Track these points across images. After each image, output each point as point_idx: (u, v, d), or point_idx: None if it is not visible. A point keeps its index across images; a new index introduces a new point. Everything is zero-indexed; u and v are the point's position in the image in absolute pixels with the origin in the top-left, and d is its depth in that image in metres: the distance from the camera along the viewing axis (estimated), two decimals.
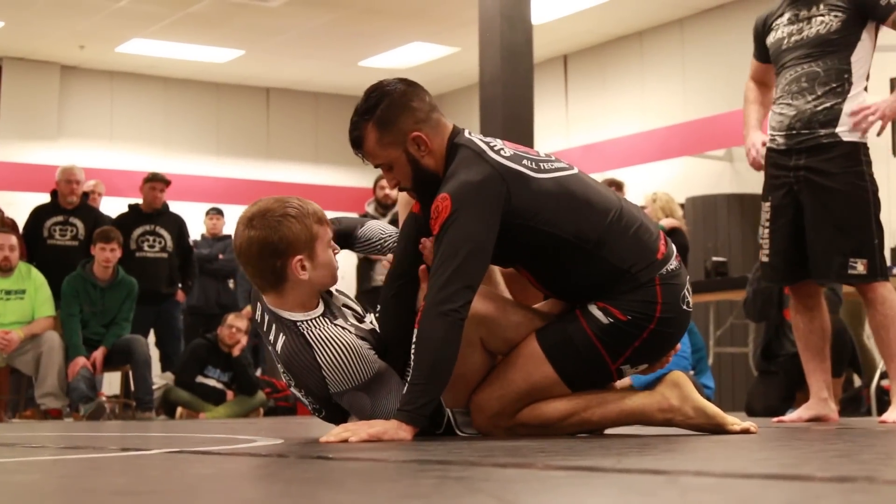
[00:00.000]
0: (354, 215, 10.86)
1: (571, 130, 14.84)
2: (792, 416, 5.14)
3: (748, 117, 5.28)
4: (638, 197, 10.83)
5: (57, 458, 2.88)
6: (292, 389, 3.73)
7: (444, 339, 3.35)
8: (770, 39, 5.10)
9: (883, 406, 7.52)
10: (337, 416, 3.72)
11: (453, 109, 16.02)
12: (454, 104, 15.95)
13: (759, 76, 5.34)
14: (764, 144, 5.10)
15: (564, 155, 14.47)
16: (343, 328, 3.60)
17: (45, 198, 9.96)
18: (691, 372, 7.90)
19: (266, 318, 3.69)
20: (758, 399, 7.39)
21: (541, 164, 3.57)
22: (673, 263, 3.60)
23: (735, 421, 3.61)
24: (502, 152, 3.53)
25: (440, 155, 3.59)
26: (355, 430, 3.32)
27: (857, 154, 4.90)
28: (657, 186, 10.36)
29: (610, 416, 3.61)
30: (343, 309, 3.77)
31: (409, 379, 3.41)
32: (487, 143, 3.56)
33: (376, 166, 3.70)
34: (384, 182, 9.83)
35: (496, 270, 3.82)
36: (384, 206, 9.77)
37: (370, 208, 9.78)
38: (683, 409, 3.57)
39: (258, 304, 3.73)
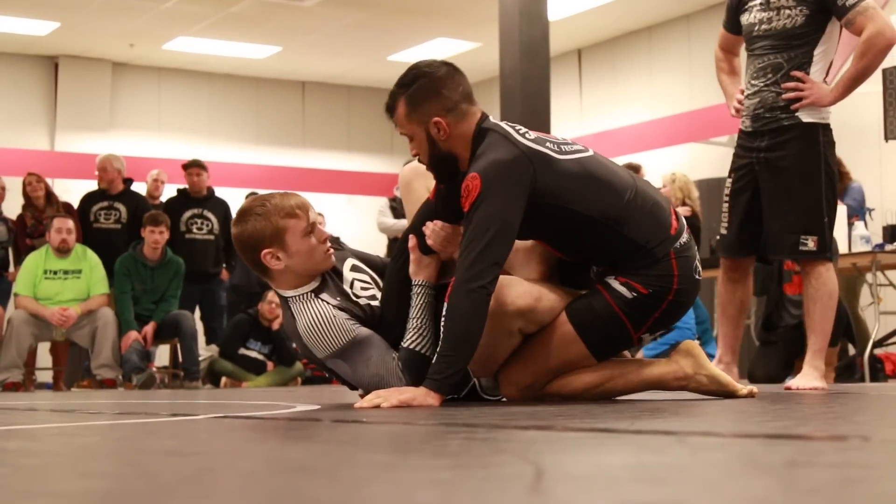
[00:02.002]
0: (384, 200, 10.91)
1: (585, 119, 14.80)
2: None
3: (726, 87, 5.24)
4: (651, 180, 10.79)
5: (112, 423, 2.90)
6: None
7: (472, 314, 3.36)
8: (745, 19, 5.06)
9: (875, 373, 7.50)
10: (339, 378, 3.78)
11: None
12: (476, 96, 15.88)
13: (727, 45, 5.32)
14: (739, 101, 5.06)
15: (578, 141, 14.43)
16: (324, 301, 3.65)
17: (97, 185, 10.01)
18: (696, 341, 7.89)
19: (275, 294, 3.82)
20: (759, 367, 7.37)
21: (562, 147, 3.57)
22: (684, 237, 3.61)
23: (741, 387, 3.65)
24: (527, 136, 3.53)
25: (463, 140, 3.59)
26: (387, 396, 3.33)
27: (816, 135, 4.87)
28: (666, 171, 10.31)
29: (631, 386, 3.68)
30: (343, 285, 3.77)
31: (438, 350, 3.41)
32: (514, 128, 3.56)
33: (402, 134, 3.73)
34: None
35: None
36: None
37: (399, 193, 9.76)
38: (697, 377, 3.62)
39: None
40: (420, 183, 3.92)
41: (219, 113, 15.83)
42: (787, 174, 4.85)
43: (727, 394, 3.61)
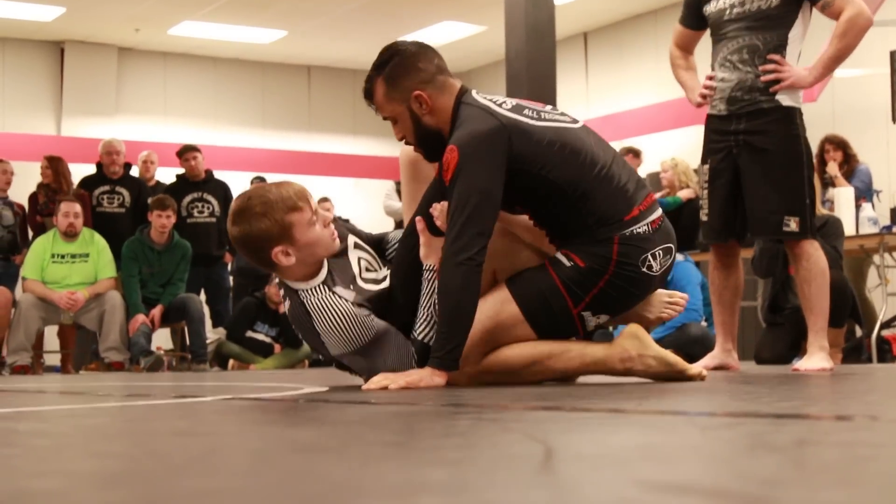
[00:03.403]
0: (390, 183, 10.90)
1: (591, 102, 14.77)
2: (697, 364, 5.05)
3: (686, 81, 5.22)
4: (654, 163, 10.80)
5: (121, 405, 2.90)
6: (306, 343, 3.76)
7: (463, 286, 3.37)
8: (710, 8, 5.05)
9: (883, 354, 7.50)
10: (347, 367, 3.78)
11: (481, 84, 15.94)
12: (482, 79, 15.89)
13: (684, 42, 5.31)
14: (707, 86, 5.02)
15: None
16: (340, 297, 3.59)
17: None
18: (703, 323, 7.89)
19: (277, 281, 3.77)
20: (766, 349, 7.37)
21: (541, 114, 3.58)
22: (643, 227, 3.54)
23: (691, 366, 3.58)
24: (504, 105, 3.55)
25: (444, 114, 3.61)
26: (394, 378, 3.33)
27: (794, 118, 4.88)
28: (672, 153, 10.31)
29: (572, 366, 3.59)
30: (351, 270, 3.73)
31: (437, 328, 3.42)
32: (491, 100, 3.58)
33: (384, 118, 3.73)
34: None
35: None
36: None
37: None
38: (643, 358, 3.53)
39: None
40: (419, 166, 3.91)
41: (224, 97, 15.82)
42: (769, 156, 4.85)
43: (677, 374, 3.52)
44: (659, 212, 3.65)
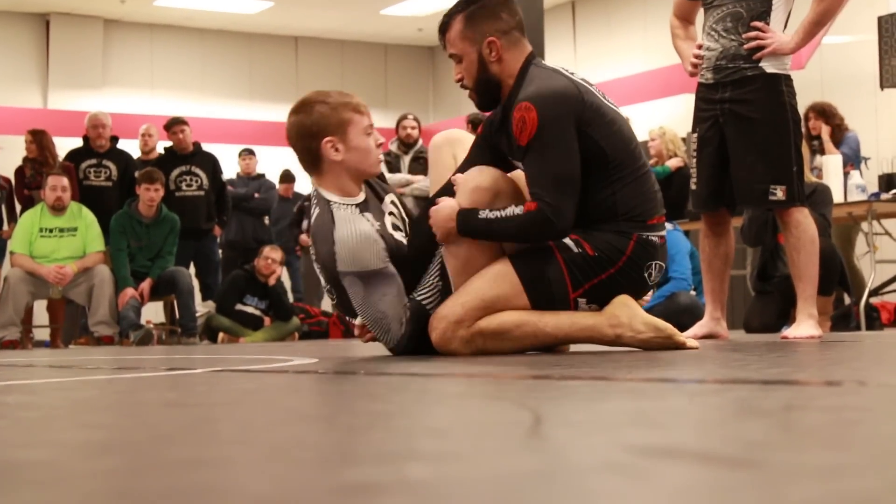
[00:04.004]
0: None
1: (579, 70, 14.58)
2: (687, 333, 5.07)
3: (683, 51, 5.21)
4: (643, 132, 10.79)
5: (111, 378, 2.90)
6: (315, 264, 3.76)
7: (525, 227, 3.48)
8: None
9: (871, 322, 7.52)
10: (343, 301, 3.72)
11: None
12: None
13: (682, 12, 5.30)
14: (695, 56, 5.03)
15: None
16: (368, 221, 3.65)
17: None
18: (693, 292, 7.90)
19: (313, 193, 3.80)
20: (755, 317, 7.39)
21: (605, 96, 3.71)
22: (655, 237, 3.63)
23: (680, 334, 3.62)
24: (575, 76, 3.67)
25: (510, 67, 3.70)
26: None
27: (779, 85, 4.86)
28: (660, 122, 10.30)
29: (563, 328, 3.60)
30: (384, 212, 3.81)
31: (495, 216, 3.50)
32: (565, 68, 3.71)
33: (450, 56, 3.83)
34: (406, 122, 9.79)
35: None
36: (406, 145, 9.73)
37: (393, 146, 9.73)
38: (633, 324, 3.56)
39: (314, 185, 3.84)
40: (447, 151, 3.96)
41: (211, 69, 15.76)
42: (753, 124, 4.84)
43: (665, 339, 3.55)
44: (665, 229, 3.72)
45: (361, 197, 3.75)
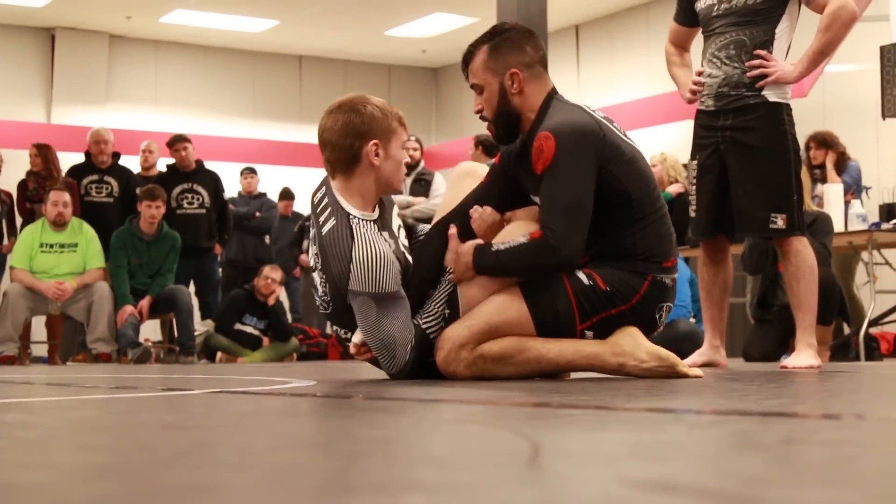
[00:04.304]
0: None
1: (582, 95, 14.77)
2: (686, 361, 5.05)
3: (679, 78, 5.23)
4: (645, 157, 10.79)
5: (109, 397, 2.90)
6: (314, 274, 3.70)
7: (536, 266, 3.53)
8: (700, 4, 5.06)
9: (871, 352, 7.51)
10: (340, 314, 3.66)
11: None
12: None
13: (679, 40, 5.32)
14: (695, 83, 5.04)
15: None
16: (386, 241, 3.61)
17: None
18: (692, 319, 7.90)
19: (325, 200, 3.69)
20: (755, 345, 7.38)
21: (626, 134, 3.72)
22: (669, 280, 3.65)
23: (683, 363, 3.62)
24: (597, 113, 3.69)
25: (532, 101, 3.73)
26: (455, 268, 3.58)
27: (780, 114, 4.88)
28: (662, 148, 10.32)
29: (565, 355, 3.60)
30: (395, 232, 3.81)
31: (504, 250, 3.54)
32: (587, 105, 3.73)
33: (472, 86, 3.82)
34: (408, 144, 9.80)
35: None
36: (408, 167, 9.73)
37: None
38: (636, 353, 3.57)
39: (323, 187, 3.76)
40: (469, 182, 3.95)
41: (215, 86, 15.79)
42: (755, 152, 4.85)
43: (668, 369, 3.55)
44: (677, 272, 3.74)
45: (377, 213, 3.70)
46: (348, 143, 3.63)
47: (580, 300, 3.55)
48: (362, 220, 3.60)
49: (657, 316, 3.65)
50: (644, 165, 3.69)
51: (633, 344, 3.58)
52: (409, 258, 3.78)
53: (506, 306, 3.60)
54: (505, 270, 3.59)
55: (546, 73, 3.80)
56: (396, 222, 3.87)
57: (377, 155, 3.64)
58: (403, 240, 3.85)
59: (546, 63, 3.82)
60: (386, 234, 3.66)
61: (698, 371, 3.69)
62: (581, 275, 3.57)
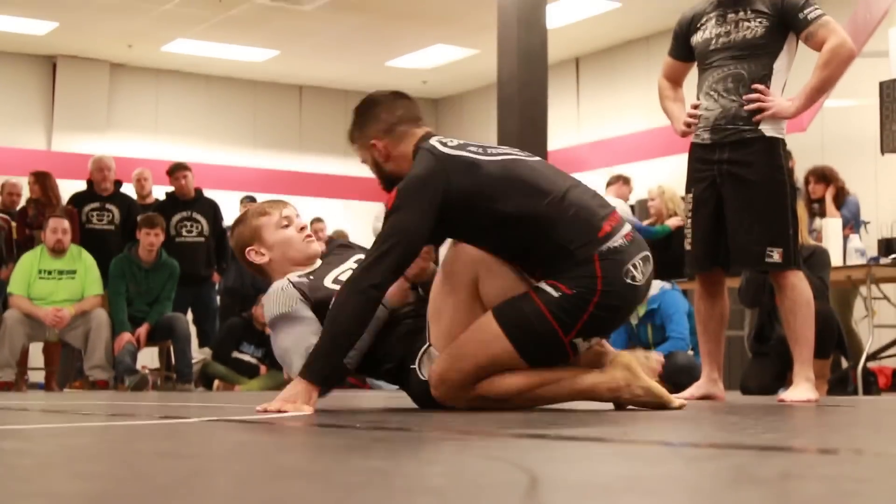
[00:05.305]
0: (380, 205, 10.89)
1: (582, 127, 14.81)
2: (683, 394, 5.05)
3: (672, 112, 5.25)
4: (644, 190, 10.83)
5: (106, 425, 2.90)
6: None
7: (358, 315, 3.50)
8: (697, 38, 5.08)
9: (868, 387, 7.51)
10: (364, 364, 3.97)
11: (472, 107, 15.98)
12: (473, 103, 15.93)
13: (673, 75, 5.35)
14: (691, 115, 5.06)
15: (575, 150, 14.50)
16: (287, 279, 3.96)
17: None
18: (690, 352, 7.89)
19: None
20: (752, 378, 7.37)
21: (488, 150, 3.70)
22: (618, 241, 3.56)
23: (674, 398, 3.64)
24: (449, 143, 3.68)
25: (404, 161, 3.76)
26: (271, 403, 3.45)
27: (777, 148, 4.89)
28: (662, 180, 10.33)
29: (562, 394, 3.63)
30: (335, 269, 4.05)
31: (318, 342, 3.54)
32: (440, 141, 3.70)
33: (362, 161, 3.98)
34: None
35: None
36: None
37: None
38: (631, 388, 3.58)
39: None
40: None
41: (216, 116, 15.83)
42: (751, 186, 4.86)
43: (660, 405, 3.58)
44: (628, 227, 3.67)
45: (303, 271, 4.06)
46: (243, 261, 4.18)
47: (557, 315, 3.51)
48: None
49: (629, 279, 3.55)
50: (520, 171, 3.62)
51: (630, 378, 3.58)
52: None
53: (489, 343, 3.57)
54: (336, 343, 3.53)
55: (412, 126, 3.81)
56: (352, 262, 4.06)
57: (261, 254, 4.11)
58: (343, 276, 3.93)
59: (408, 117, 3.83)
60: (294, 275, 4.00)
61: (679, 401, 3.68)
62: (547, 287, 3.53)
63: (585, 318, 3.53)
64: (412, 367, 3.76)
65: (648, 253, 3.66)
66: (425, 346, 3.71)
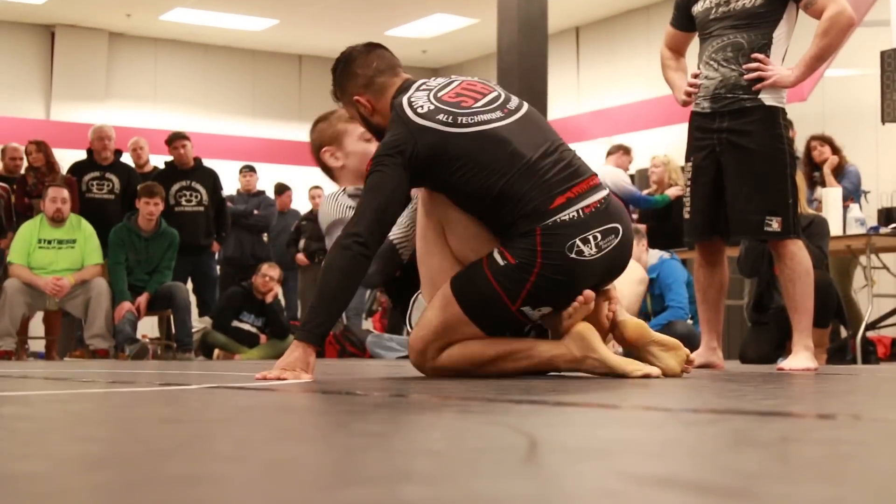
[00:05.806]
0: None
1: (582, 97, 14.77)
2: None
3: (674, 81, 5.23)
4: (644, 160, 10.82)
5: (106, 391, 2.90)
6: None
7: (347, 270, 3.47)
8: (697, 8, 5.06)
9: (867, 356, 7.52)
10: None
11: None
12: (473, 72, 15.87)
13: (675, 44, 5.33)
14: (691, 84, 5.04)
15: (575, 120, 14.47)
16: (343, 189, 4.20)
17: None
18: (689, 321, 7.90)
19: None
20: (751, 348, 7.39)
21: (459, 119, 3.58)
22: (570, 214, 3.48)
23: (637, 367, 3.54)
24: (419, 110, 3.60)
25: (386, 113, 3.76)
26: (271, 370, 3.44)
27: (777, 117, 4.88)
28: (661, 150, 10.33)
29: (521, 366, 3.65)
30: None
31: (311, 302, 3.54)
32: (411, 105, 3.63)
33: (351, 118, 4.07)
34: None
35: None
36: None
37: None
38: (587, 360, 3.56)
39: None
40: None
41: (215, 85, 15.80)
42: (751, 155, 4.85)
43: (620, 375, 3.51)
44: (599, 195, 3.58)
45: None
46: (316, 160, 4.34)
47: (503, 284, 3.50)
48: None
49: (574, 255, 3.47)
50: (488, 143, 3.55)
51: (585, 349, 3.56)
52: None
53: (443, 308, 3.61)
54: (330, 301, 3.52)
55: (390, 77, 3.81)
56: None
57: (336, 158, 4.27)
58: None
59: (384, 68, 3.82)
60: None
61: (641, 372, 3.56)
62: (496, 255, 3.53)
63: (529, 288, 3.50)
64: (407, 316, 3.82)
65: (617, 225, 3.57)
66: (416, 294, 3.76)
